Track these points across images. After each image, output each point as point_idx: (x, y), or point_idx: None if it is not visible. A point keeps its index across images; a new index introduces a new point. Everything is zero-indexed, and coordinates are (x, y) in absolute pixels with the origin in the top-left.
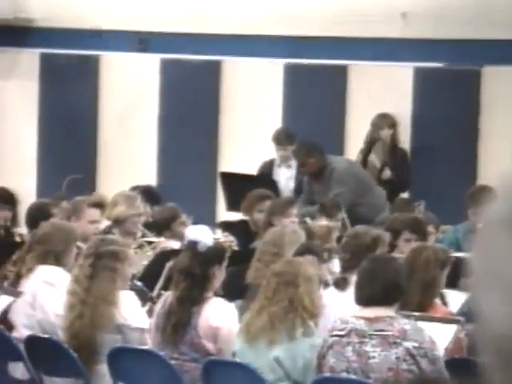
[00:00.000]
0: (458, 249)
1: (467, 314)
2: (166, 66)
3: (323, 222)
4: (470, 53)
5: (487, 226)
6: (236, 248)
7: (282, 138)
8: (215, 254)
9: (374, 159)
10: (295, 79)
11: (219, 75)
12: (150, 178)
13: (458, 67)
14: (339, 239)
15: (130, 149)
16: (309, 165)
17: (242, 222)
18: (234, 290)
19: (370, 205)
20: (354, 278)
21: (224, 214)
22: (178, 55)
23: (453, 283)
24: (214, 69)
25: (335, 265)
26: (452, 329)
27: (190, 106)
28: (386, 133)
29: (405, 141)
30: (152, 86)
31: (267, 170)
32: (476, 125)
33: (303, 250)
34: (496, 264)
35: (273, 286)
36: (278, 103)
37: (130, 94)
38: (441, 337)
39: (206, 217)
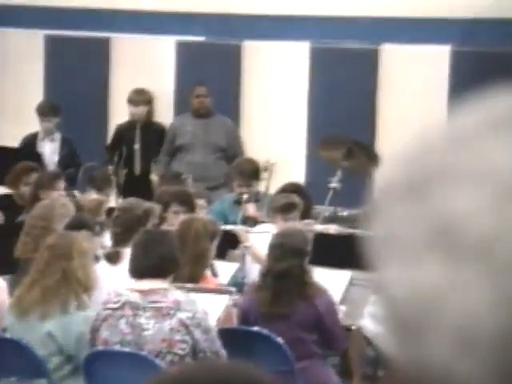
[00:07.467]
0: (225, 219)
1: (236, 284)
2: None
3: (93, 195)
4: (230, 27)
5: (384, 192)
6: (1, 222)
7: (47, 110)
8: None
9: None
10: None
11: None
12: None
13: (219, 41)
14: (109, 213)
15: None
16: (208, 101)
17: (7, 196)
18: (2, 265)
19: None
20: (126, 252)
21: None
22: None
23: (221, 254)
24: None
25: (106, 238)
26: (223, 299)
27: None
28: (141, 109)
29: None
30: None
31: (30, 143)
32: (237, 98)
33: (75, 224)
34: (393, 229)
35: (45, 260)
36: (40, 76)
37: None
38: (213, 307)
39: None
